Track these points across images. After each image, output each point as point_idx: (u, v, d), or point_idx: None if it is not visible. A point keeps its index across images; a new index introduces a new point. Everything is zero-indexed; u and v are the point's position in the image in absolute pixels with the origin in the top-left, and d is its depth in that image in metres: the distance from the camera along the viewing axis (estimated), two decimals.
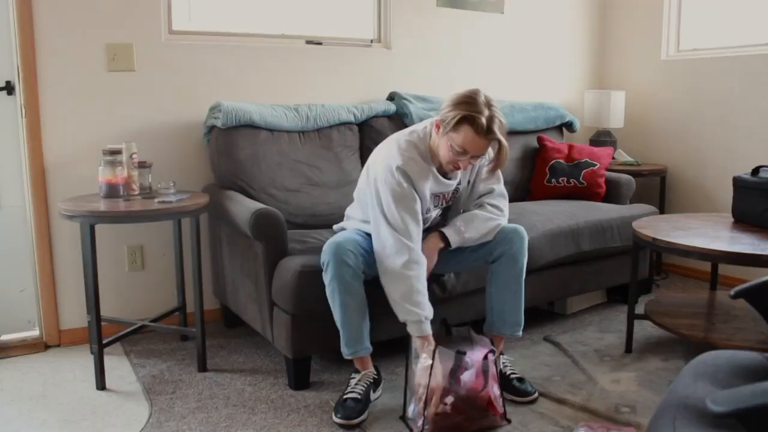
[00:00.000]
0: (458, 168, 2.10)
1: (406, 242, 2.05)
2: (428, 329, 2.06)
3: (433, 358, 1.97)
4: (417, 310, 2.04)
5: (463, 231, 2.20)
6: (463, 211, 2.30)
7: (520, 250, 2.23)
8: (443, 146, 2.07)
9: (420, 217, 2.13)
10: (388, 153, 2.14)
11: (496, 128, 2.00)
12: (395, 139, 2.18)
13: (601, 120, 3.79)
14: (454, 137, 2.01)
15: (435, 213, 2.26)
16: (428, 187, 2.15)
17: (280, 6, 3.17)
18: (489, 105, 2.01)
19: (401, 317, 2.07)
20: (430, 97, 3.30)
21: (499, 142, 2.05)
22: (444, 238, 2.20)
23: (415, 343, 2.07)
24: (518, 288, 2.26)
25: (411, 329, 2.06)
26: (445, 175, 2.20)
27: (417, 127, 2.22)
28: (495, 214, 2.26)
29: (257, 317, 2.46)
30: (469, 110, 1.98)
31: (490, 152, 2.20)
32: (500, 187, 2.33)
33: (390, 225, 2.07)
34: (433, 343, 2.04)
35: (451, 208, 2.33)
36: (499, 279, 2.25)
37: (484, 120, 1.97)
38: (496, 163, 2.16)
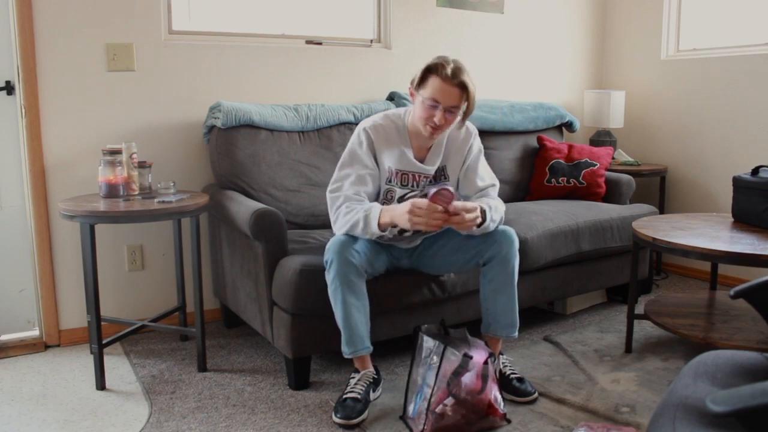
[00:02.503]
0: (436, 127, 2.12)
1: (335, 194, 2.14)
2: (377, 207, 2.08)
3: (442, 356, 1.98)
4: (359, 215, 2.07)
5: (491, 210, 2.18)
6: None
7: (511, 252, 2.22)
8: (418, 107, 2.14)
9: (368, 182, 2.17)
10: (365, 120, 2.26)
11: (463, 75, 2.07)
12: (377, 114, 2.29)
13: (601, 120, 3.79)
14: (424, 93, 2.09)
15: (402, 192, 2.24)
16: (391, 159, 2.20)
17: (280, 6, 3.17)
18: (455, 60, 2.11)
19: (359, 233, 2.10)
20: None
21: (467, 87, 2.09)
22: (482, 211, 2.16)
23: (384, 219, 2.06)
24: (511, 290, 2.26)
25: (372, 225, 2.06)
26: (422, 161, 2.24)
27: (400, 108, 2.32)
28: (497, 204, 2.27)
29: (257, 317, 2.46)
30: (434, 62, 2.09)
31: (466, 127, 2.28)
32: (492, 180, 2.33)
33: (330, 186, 2.17)
34: (391, 208, 2.07)
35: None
36: (492, 281, 2.25)
37: (449, 68, 2.06)
38: (468, 108, 2.17)
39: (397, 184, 2.23)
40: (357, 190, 2.15)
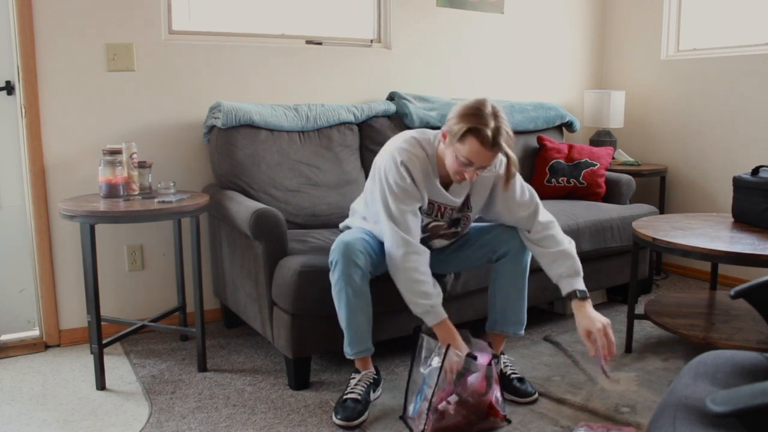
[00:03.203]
0: (464, 179, 2.07)
1: (404, 235, 2.04)
2: (440, 314, 2.03)
3: (444, 355, 1.97)
4: (422, 301, 2.02)
5: (576, 270, 2.15)
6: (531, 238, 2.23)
7: (524, 248, 2.24)
8: (449, 156, 2.05)
9: (419, 215, 2.12)
10: (395, 147, 2.12)
11: (502, 140, 1.97)
12: (404, 136, 2.16)
13: (601, 120, 3.79)
14: (460, 148, 1.99)
15: (427, 221, 2.20)
16: (426, 191, 2.13)
17: (280, 6, 3.17)
18: (496, 116, 1.98)
19: (414, 311, 2.06)
20: (430, 97, 3.30)
21: (507, 155, 2.02)
22: (580, 293, 2.12)
23: (436, 330, 2.04)
24: (522, 286, 2.26)
25: (426, 320, 2.05)
26: (447, 188, 2.17)
27: (428, 131, 2.20)
28: (558, 240, 2.20)
29: (257, 317, 2.46)
30: (475, 122, 1.95)
31: (499, 162, 2.18)
32: (531, 202, 2.22)
33: (390, 218, 2.06)
34: (452, 329, 2.03)
35: (460, 229, 2.28)
36: (503, 277, 2.25)
37: (489, 132, 1.95)
38: (507, 176, 2.12)
39: (424, 213, 2.18)
40: (416, 230, 2.08)
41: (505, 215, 2.23)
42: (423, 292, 2.03)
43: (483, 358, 2.00)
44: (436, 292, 2.05)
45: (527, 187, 2.25)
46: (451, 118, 2.02)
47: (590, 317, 2.06)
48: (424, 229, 2.19)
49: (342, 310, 2.11)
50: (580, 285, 2.13)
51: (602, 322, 2.03)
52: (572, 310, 2.12)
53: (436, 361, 2.01)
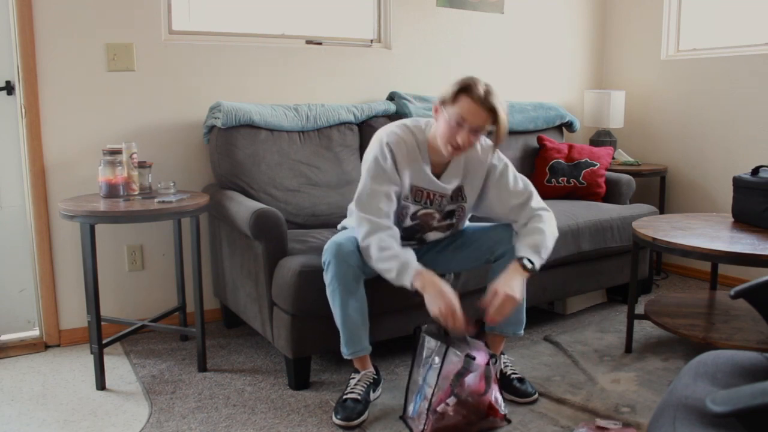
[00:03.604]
0: (457, 147, 2.06)
1: (368, 216, 2.06)
2: (413, 267, 2.00)
3: (444, 357, 1.96)
4: (391, 264, 2.01)
5: (537, 245, 2.11)
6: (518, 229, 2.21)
7: None
8: (442, 124, 2.07)
9: (393, 198, 2.12)
10: (384, 130, 2.17)
11: (493, 99, 2.02)
12: (396, 122, 2.21)
13: (601, 120, 3.79)
14: (452, 110, 2.03)
15: (416, 209, 2.21)
16: (409, 175, 2.14)
17: (280, 6, 3.17)
18: (488, 84, 2.05)
19: (390, 279, 2.03)
20: (430, 97, 3.30)
21: (497, 113, 2.04)
22: (521, 261, 2.07)
23: (416, 283, 1.99)
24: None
25: (403, 279, 2.01)
26: (438, 177, 2.18)
27: (421, 119, 2.23)
28: (544, 221, 2.18)
29: (257, 317, 2.46)
30: (467, 82, 2.03)
31: (487, 143, 2.20)
32: (524, 191, 2.22)
33: (358, 201, 2.10)
34: (428, 275, 2.00)
35: (455, 221, 2.28)
36: None
37: (481, 89, 2.01)
38: (497, 136, 2.12)
39: (410, 200, 2.19)
40: (387, 211, 2.09)
41: (498, 205, 2.23)
42: (391, 255, 2.01)
43: (481, 358, 2.00)
44: (404, 252, 2.03)
45: (521, 176, 2.25)
46: (444, 90, 2.09)
47: (512, 284, 2.01)
48: (413, 216, 2.20)
49: (336, 311, 2.11)
50: (533, 257, 2.08)
51: (514, 294, 1.99)
52: (506, 269, 2.06)
53: (436, 361, 2.01)
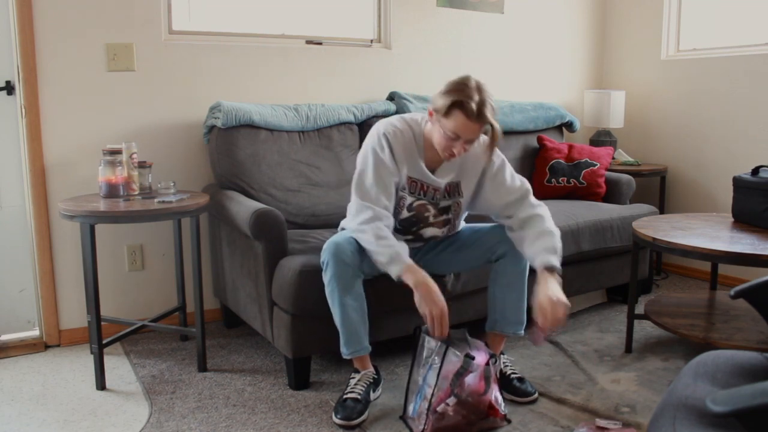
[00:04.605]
0: (453, 155, 2.09)
1: (367, 204, 2.07)
2: (404, 260, 2.01)
3: (444, 357, 1.96)
4: (385, 250, 2.01)
5: (554, 247, 2.11)
6: (509, 226, 2.21)
7: None
8: (437, 133, 2.08)
9: (392, 190, 2.13)
10: (382, 122, 2.19)
11: (487, 112, 2.01)
12: (395, 116, 2.24)
13: (601, 120, 3.79)
14: (446, 123, 2.03)
15: (411, 200, 2.21)
16: (405, 167, 2.16)
17: (280, 6, 3.17)
18: (479, 89, 2.02)
19: (380, 265, 2.04)
20: (430, 97, 3.28)
21: (491, 125, 2.06)
22: (550, 268, 2.06)
23: (406, 277, 1.99)
24: (521, 286, 2.26)
25: (392, 268, 2.01)
26: (433, 171, 2.19)
27: (417, 114, 2.25)
28: (545, 220, 2.17)
29: (257, 317, 2.46)
30: (460, 96, 2.00)
31: (484, 139, 2.21)
32: (521, 188, 2.22)
33: (358, 188, 2.11)
34: (420, 273, 2.00)
35: (451, 216, 2.28)
36: (503, 278, 2.25)
37: (474, 105, 1.99)
38: (491, 143, 2.15)
39: (407, 191, 2.19)
40: (386, 203, 2.10)
41: (494, 201, 2.23)
42: (386, 243, 2.03)
43: (480, 358, 2.00)
44: (400, 244, 2.05)
45: (518, 176, 2.26)
46: (436, 96, 2.07)
47: (555, 290, 2.00)
48: (409, 207, 2.21)
49: (336, 311, 2.11)
50: (556, 262, 2.08)
51: (563, 301, 1.98)
52: (539, 280, 2.04)
53: (436, 361, 2.01)
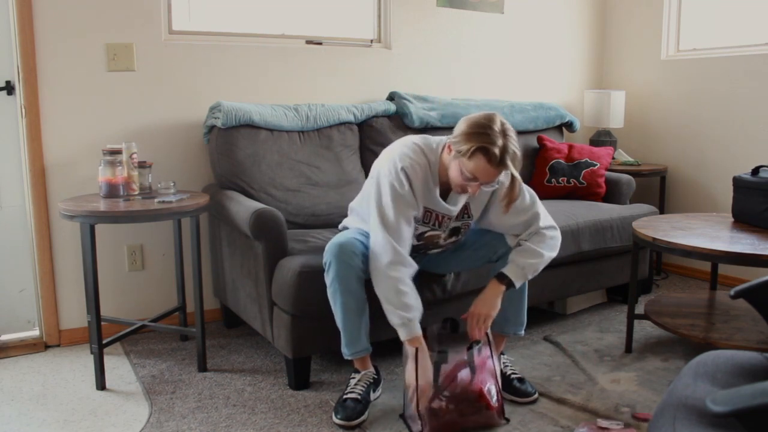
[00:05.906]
0: (466, 192, 2.05)
1: (394, 243, 2.01)
2: (415, 330, 2.01)
3: (416, 361, 1.98)
4: (401, 312, 2.00)
5: (527, 264, 2.13)
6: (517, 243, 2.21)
7: None
8: (454, 168, 2.02)
9: (413, 224, 2.10)
10: (397, 152, 2.10)
11: (508, 159, 1.94)
12: (406, 142, 2.14)
13: (601, 120, 3.79)
14: (467, 164, 1.96)
15: (424, 229, 2.18)
16: (422, 198, 2.11)
17: (280, 6, 3.17)
18: (504, 134, 1.95)
19: (389, 319, 2.04)
20: (430, 97, 3.30)
21: (512, 174, 2.00)
22: (503, 278, 2.12)
23: (405, 346, 2.04)
24: (522, 287, 2.26)
25: (399, 332, 2.03)
26: (445, 198, 2.15)
27: (432, 138, 2.17)
28: (544, 243, 2.17)
29: (257, 317, 2.46)
30: (485, 142, 1.93)
31: (501, 178, 2.10)
32: (538, 219, 2.18)
33: (382, 222, 2.04)
34: (423, 345, 2.02)
35: (460, 237, 2.27)
36: None
37: (497, 150, 1.92)
38: (510, 197, 2.07)
39: (420, 222, 2.16)
40: (407, 238, 2.06)
41: (502, 221, 2.19)
42: (404, 303, 2.00)
43: (462, 348, 2.02)
44: (417, 306, 2.03)
45: (529, 191, 2.20)
46: (459, 133, 1.98)
47: (489, 302, 2.11)
48: (419, 237, 2.18)
49: (337, 311, 2.11)
50: (516, 278, 2.12)
51: (487, 314, 2.10)
52: (487, 285, 2.14)
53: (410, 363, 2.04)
